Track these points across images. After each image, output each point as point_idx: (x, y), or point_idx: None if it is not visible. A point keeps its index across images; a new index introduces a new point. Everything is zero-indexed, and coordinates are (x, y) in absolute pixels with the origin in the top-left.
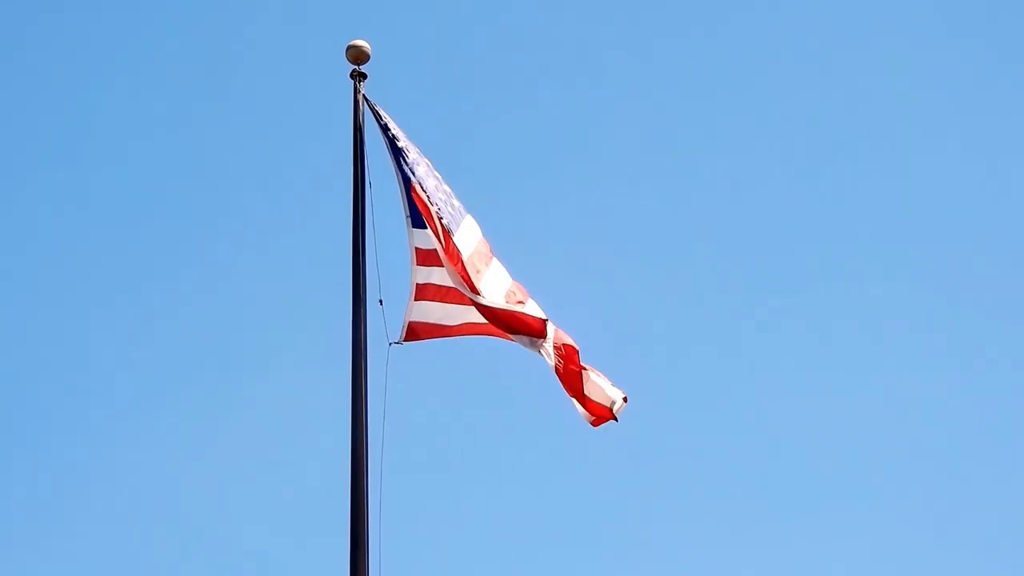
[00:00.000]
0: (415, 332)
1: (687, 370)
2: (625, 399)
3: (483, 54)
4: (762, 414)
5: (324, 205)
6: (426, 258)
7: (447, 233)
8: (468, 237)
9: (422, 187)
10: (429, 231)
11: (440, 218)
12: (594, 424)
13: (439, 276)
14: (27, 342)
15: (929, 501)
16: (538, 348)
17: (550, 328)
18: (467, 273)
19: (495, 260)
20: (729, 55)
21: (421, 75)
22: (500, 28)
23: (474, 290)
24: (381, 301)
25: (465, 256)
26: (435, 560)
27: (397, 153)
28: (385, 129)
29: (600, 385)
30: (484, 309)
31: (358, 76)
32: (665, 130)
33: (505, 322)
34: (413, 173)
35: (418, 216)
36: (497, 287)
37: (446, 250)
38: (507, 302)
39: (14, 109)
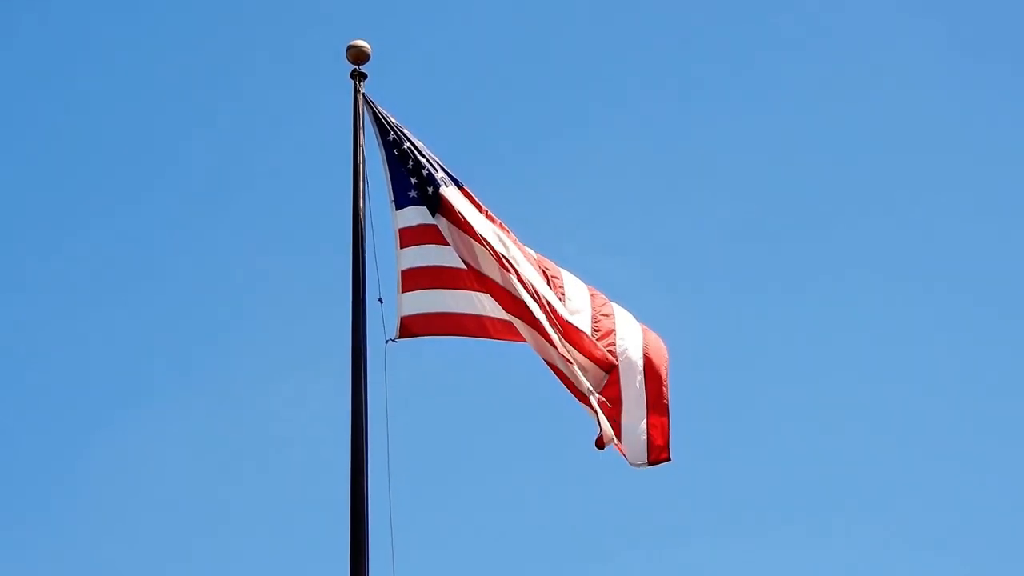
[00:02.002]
0: (408, 328)
1: (684, 369)
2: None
3: (483, 53)
4: (767, 415)
5: (324, 204)
6: (411, 238)
7: (505, 229)
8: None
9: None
10: (423, 208)
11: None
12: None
13: (433, 255)
14: (26, 342)
15: (930, 505)
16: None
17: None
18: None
19: (567, 275)
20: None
21: (421, 75)
22: (500, 27)
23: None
24: (381, 299)
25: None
26: (434, 560)
27: (402, 147)
28: (393, 130)
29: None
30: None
31: (358, 76)
32: (671, 130)
33: (572, 339)
34: (453, 178)
35: (404, 194)
36: (583, 315)
37: (514, 243)
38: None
39: (12, 109)
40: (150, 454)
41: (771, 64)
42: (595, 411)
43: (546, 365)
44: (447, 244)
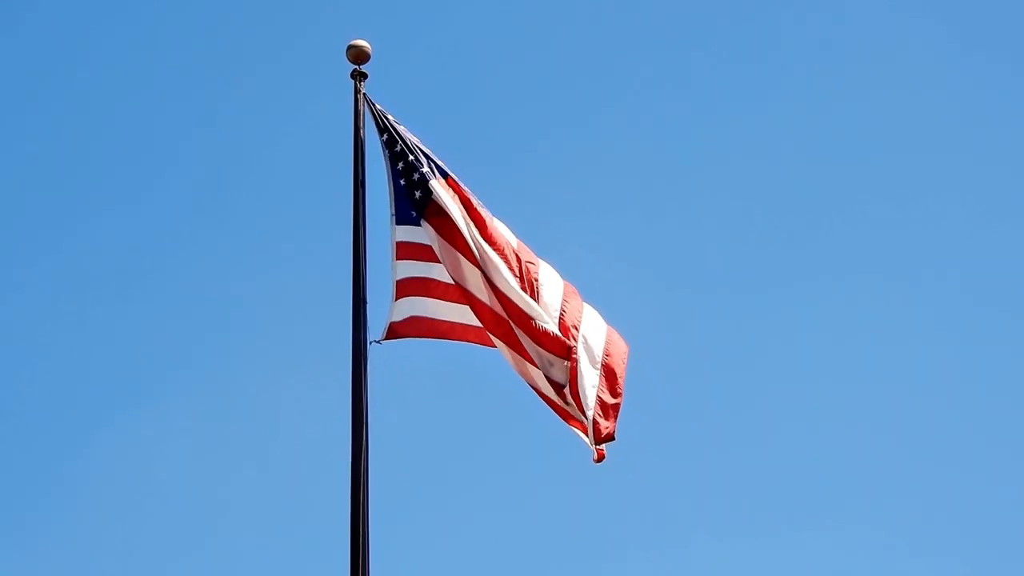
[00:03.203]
0: (395, 331)
1: (684, 370)
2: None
3: (484, 53)
4: (766, 415)
5: (325, 204)
6: (408, 252)
7: (484, 224)
8: (507, 237)
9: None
10: (420, 227)
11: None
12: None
13: (426, 269)
14: (26, 342)
15: (932, 504)
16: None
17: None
18: (524, 275)
19: (544, 265)
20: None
21: (422, 75)
22: (501, 28)
23: (531, 294)
24: (364, 300)
25: (513, 255)
26: (434, 562)
27: (395, 149)
28: (387, 130)
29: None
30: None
31: (359, 76)
32: (671, 130)
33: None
34: (440, 168)
35: (406, 212)
36: (553, 301)
37: (489, 241)
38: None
39: (12, 109)
40: (151, 454)
41: (771, 64)
42: (575, 421)
43: (525, 383)
44: (439, 262)
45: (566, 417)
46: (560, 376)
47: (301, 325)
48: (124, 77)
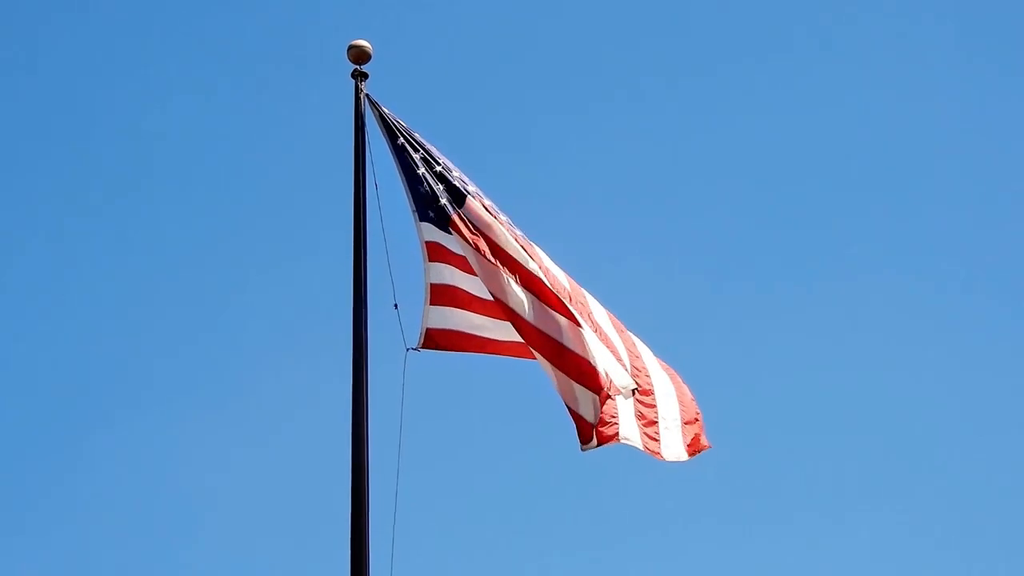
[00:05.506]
0: (434, 340)
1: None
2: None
3: (485, 53)
4: (763, 412)
5: (326, 205)
6: (438, 254)
7: (524, 246)
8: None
9: (482, 201)
10: (451, 235)
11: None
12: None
13: (462, 280)
14: (26, 342)
15: (930, 500)
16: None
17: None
18: (562, 302)
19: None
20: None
21: (423, 75)
22: (501, 27)
23: (571, 318)
24: (396, 305)
25: (557, 281)
26: (435, 561)
27: (404, 153)
28: (401, 134)
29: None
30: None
31: (359, 76)
32: (670, 132)
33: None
34: (458, 192)
35: (424, 211)
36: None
37: (533, 261)
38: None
39: (12, 108)
40: (151, 454)
41: (775, 64)
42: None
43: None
44: (475, 275)
45: (601, 438)
46: (589, 411)
47: (302, 324)
48: (124, 77)
